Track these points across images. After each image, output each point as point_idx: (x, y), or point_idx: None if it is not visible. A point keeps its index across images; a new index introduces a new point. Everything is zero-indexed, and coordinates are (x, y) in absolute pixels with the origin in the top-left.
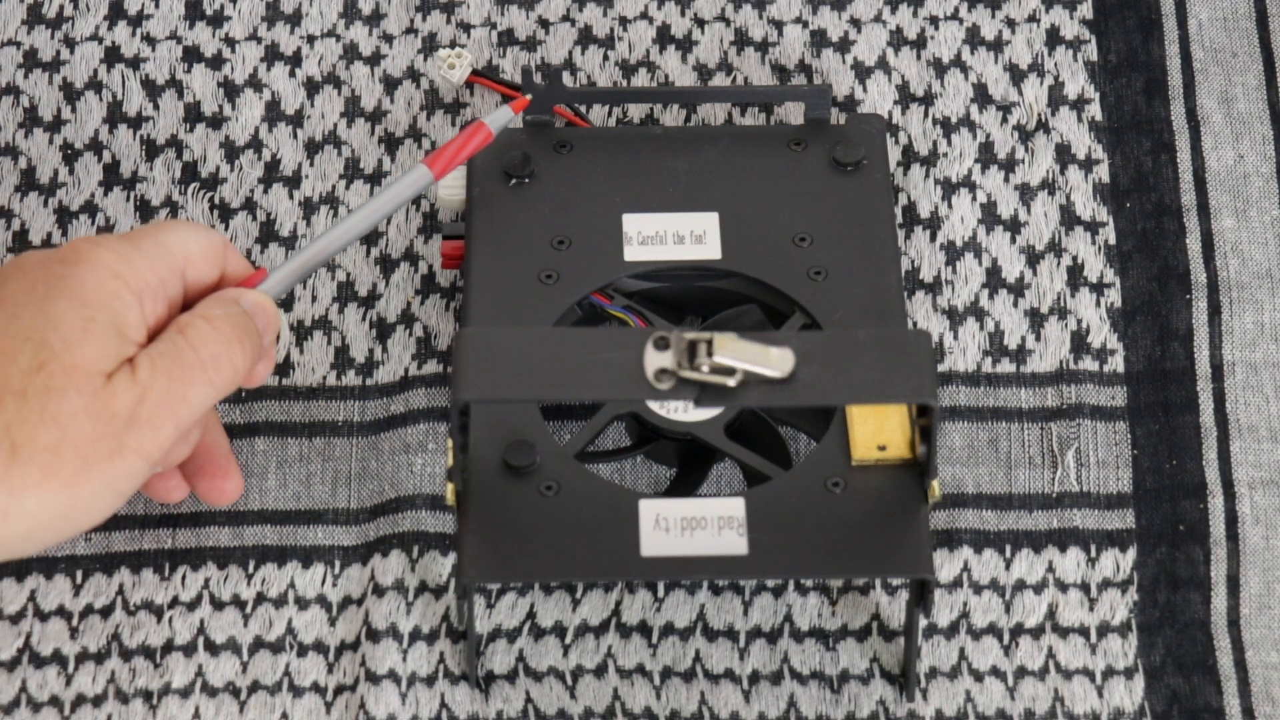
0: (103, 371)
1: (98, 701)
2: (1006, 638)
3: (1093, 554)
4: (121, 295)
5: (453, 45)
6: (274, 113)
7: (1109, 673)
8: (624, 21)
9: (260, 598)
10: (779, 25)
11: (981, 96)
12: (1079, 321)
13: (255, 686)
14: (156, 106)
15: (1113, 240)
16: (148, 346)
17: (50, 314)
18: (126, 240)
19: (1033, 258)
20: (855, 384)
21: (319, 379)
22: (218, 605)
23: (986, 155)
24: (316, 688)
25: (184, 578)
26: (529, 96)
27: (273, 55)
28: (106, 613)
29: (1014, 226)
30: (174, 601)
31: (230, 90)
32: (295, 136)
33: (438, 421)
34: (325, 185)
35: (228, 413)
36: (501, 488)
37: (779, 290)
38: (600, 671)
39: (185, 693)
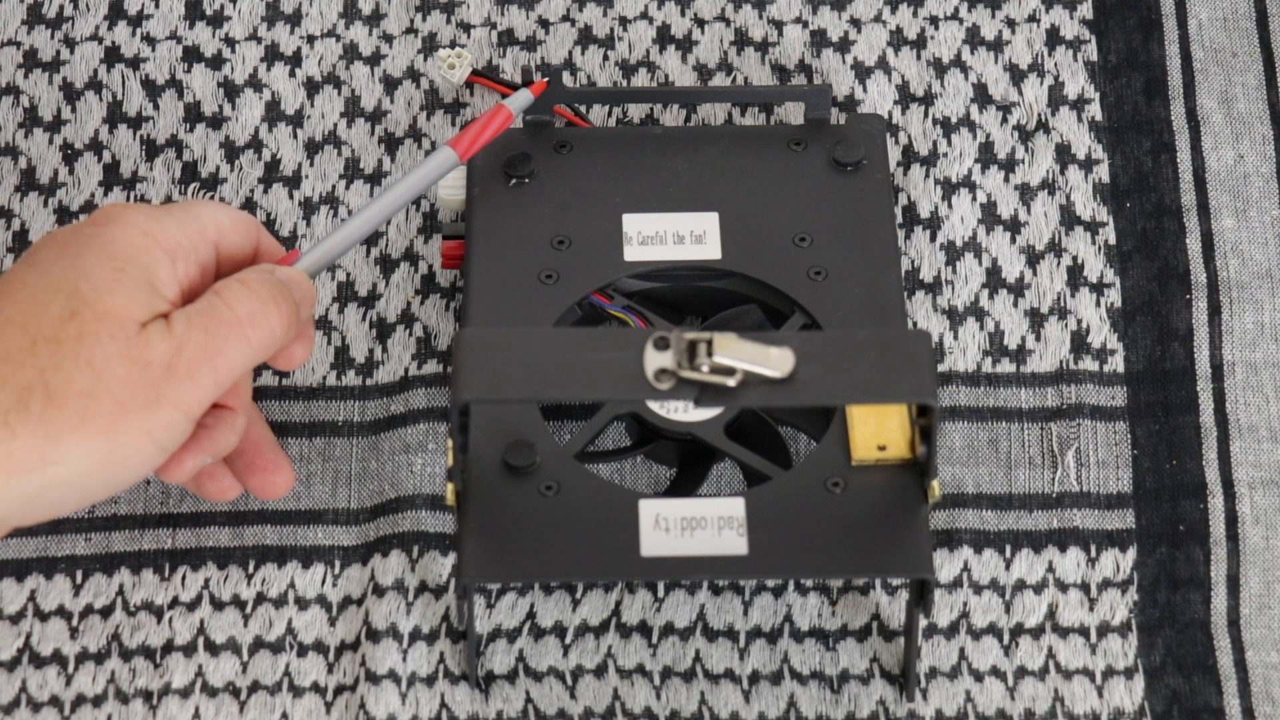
0: (136, 320)
1: (98, 701)
2: (1006, 638)
3: (1093, 554)
4: (152, 251)
5: (453, 45)
6: (274, 113)
7: (1109, 673)
8: (624, 21)
9: (260, 598)
10: (779, 25)
11: (981, 96)
12: (1079, 321)
13: (255, 686)
14: (156, 106)
15: (1113, 240)
16: (185, 306)
17: (81, 267)
18: (158, 207)
19: (1033, 258)
20: (855, 384)
21: (319, 379)
22: (218, 605)
23: (986, 155)
24: (316, 688)
25: (184, 578)
26: (547, 79)
27: (273, 55)
28: (106, 613)
29: (1014, 226)
30: (174, 601)
31: (230, 90)
32: (295, 136)
33: (438, 421)
34: (325, 185)
35: None
36: (501, 488)
37: (779, 290)
38: (600, 671)
39: (185, 693)
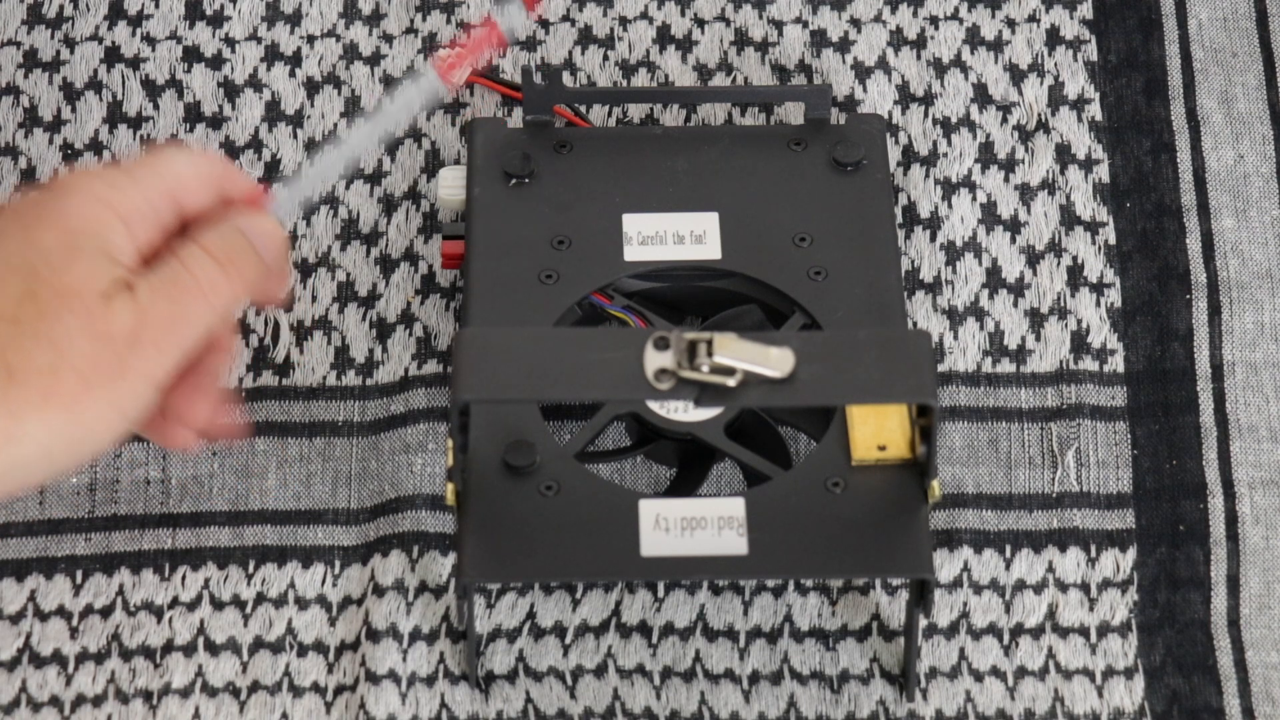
0: (97, 293)
1: (98, 701)
2: (1006, 638)
3: (1093, 554)
4: (107, 220)
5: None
6: (274, 113)
7: (1109, 673)
8: (624, 21)
9: (260, 598)
10: (779, 25)
11: (981, 96)
12: (1079, 321)
13: (255, 686)
14: (156, 106)
15: (1113, 240)
16: (147, 275)
17: (36, 243)
18: (117, 168)
19: (1033, 258)
20: (855, 384)
21: (319, 379)
22: (218, 605)
23: (986, 155)
24: (316, 688)
25: (184, 578)
26: None
27: (273, 55)
28: (106, 613)
29: (1014, 226)
30: (174, 601)
31: (230, 90)
32: (295, 136)
33: (438, 421)
34: (325, 185)
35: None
36: (501, 488)
37: (779, 290)
38: (600, 671)
39: (185, 693)
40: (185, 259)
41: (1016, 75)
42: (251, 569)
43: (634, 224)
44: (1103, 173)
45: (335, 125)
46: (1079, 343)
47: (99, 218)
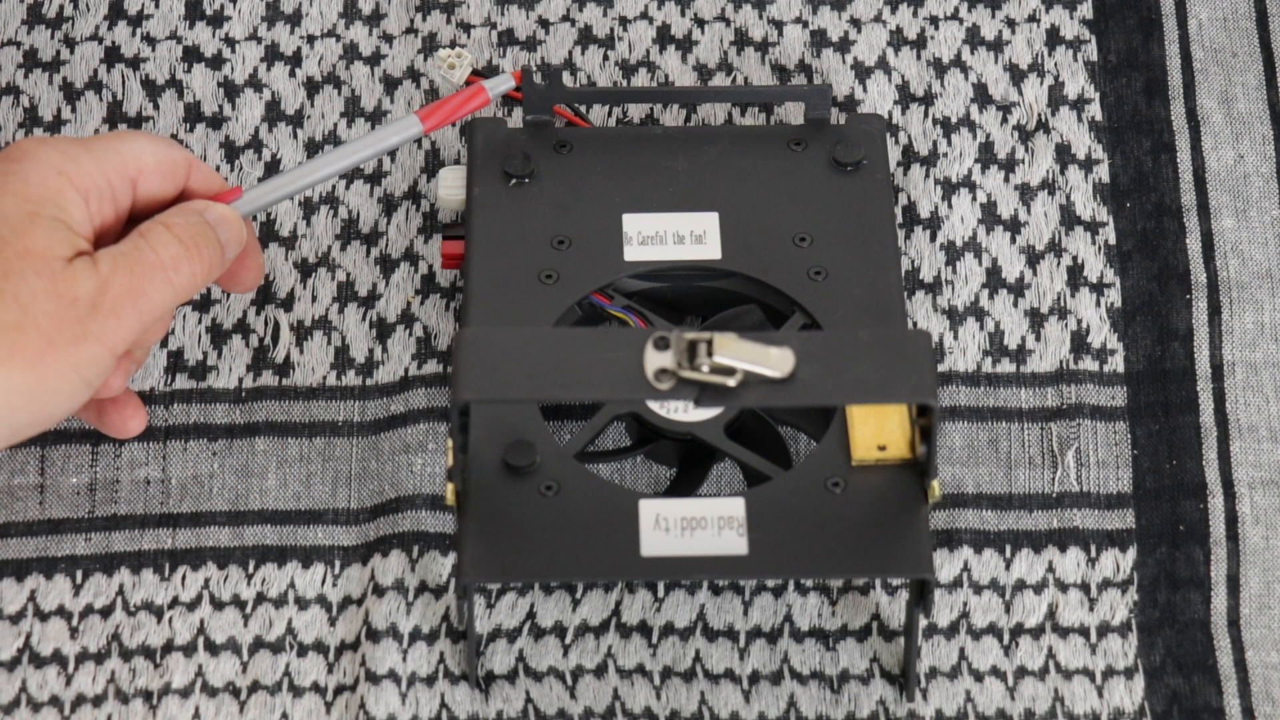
0: (59, 257)
1: (98, 701)
2: (1006, 638)
3: (1093, 554)
4: (65, 192)
5: (453, 45)
6: (274, 113)
7: (1109, 673)
8: (624, 21)
9: (260, 598)
10: (779, 25)
11: (981, 96)
12: (1079, 321)
13: (255, 686)
14: (156, 106)
15: (1113, 240)
16: (109, 247)
17: None
18: (76, 141)
19: (1033, 258)
20: (855, 384)
21: (319, 379)
22: (218, 605)
23: (986, 155)
24: (316, 688)
25: (184, 578)
26: (520, 70)
27: (273, 55)
28: (106, 613)
29: (1014, 226)
30: (174, 601)
31: (230, 90)
32: (295, 136)
33: (438, 421)
34: (325, 185)
35: (228, 413)
36: (501, 488)
37: (779, 290)
38: (600, 671)
39: (185, 693)
40: (149, 236)
41: (1016, 75)
42: (251, 569)
43: (634, 224)
44: (1103, 173)
45: (335, 125)
46: (1079, 343)
47: (59, 189)
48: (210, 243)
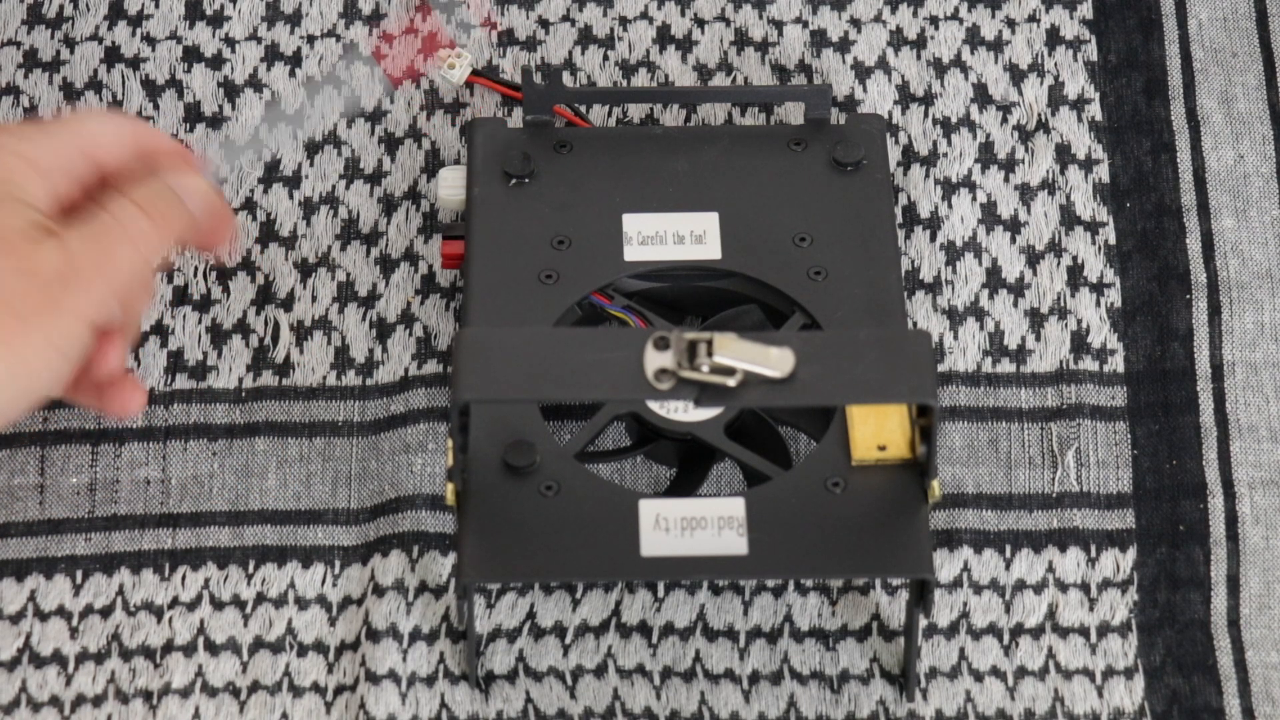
0: (20, 234)
1: (98, 701)
2: (1006, 638)
3: (1093, 554)
4: (23, 171)
5: (453, 45)
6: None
7: (1109, 673)
8: (624, 21)
9: (260, 598)
10: (779, 25)
11: (981, 96)
12: (1079, 321)
13: (255, 686)
14: (156, 106)
15: (1113, 240)
16: (74, 223)
17: None
18: (32, 124)
19: (1033, 258)
20: (855, 384)
21: (319, 379)
22: (218, 605)
23: (986, 155)
24: (316, 688)
25: (184, 578)
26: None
27: (273, 55)
28: (106, 613)
29: (1014, 226)
30: (174, 601)
31: (230, 90)
32: (295, 136)
33: (438, 421)
34: (325, 185)
35: (228, 412)
36: (501, 488)
37: (779, 290)
38: (600, 671)
39: (185, 693)
40: (112, 209)
41: (1016, 75)
42: (251, 569)
43: (634, 224)
44: (1103, 173)
45: (335, 125)
46: (1079, 343)
47: (16, 168)
48: (175, 208)
